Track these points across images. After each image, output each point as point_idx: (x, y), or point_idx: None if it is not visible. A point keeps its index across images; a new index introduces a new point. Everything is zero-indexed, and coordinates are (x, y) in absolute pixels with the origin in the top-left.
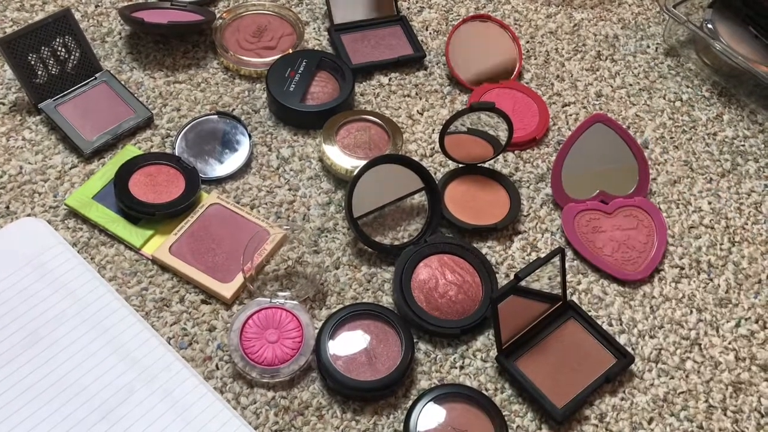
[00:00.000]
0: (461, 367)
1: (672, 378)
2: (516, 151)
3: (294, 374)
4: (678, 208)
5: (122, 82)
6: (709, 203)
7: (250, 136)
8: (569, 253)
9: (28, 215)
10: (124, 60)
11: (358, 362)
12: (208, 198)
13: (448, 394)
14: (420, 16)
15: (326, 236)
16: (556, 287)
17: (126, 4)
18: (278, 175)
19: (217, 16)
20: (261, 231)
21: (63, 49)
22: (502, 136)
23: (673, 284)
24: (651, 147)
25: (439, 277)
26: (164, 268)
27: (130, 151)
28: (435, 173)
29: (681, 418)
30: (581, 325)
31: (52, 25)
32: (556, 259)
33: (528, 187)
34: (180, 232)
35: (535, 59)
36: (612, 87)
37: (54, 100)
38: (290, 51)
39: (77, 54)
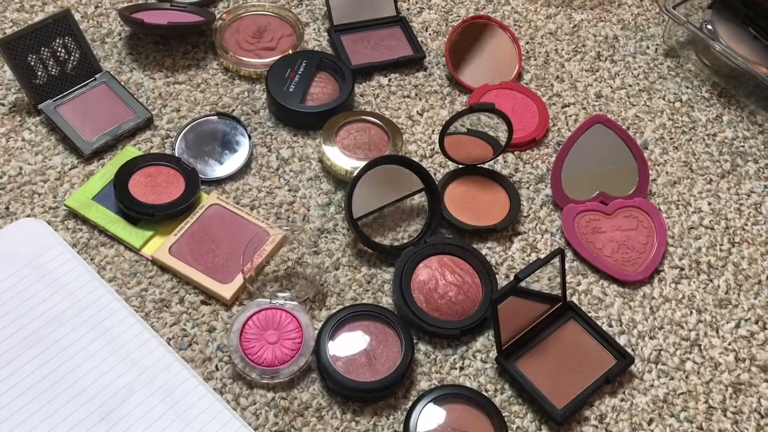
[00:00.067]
0: (461, 368)
1: (672, 379)
2: (516, 152)
3: (294, 375)
4: (678, 208)
5: (122, 83)
6: (709, 204)
7: (249, 137)
8: (569, 254)
9: (28, 216)
10: (124, 61)
11: (358, 363)
12: (208, 199)
13: (447, 395)
14: (420, 17)
15: (326, 237)
16: (555, 288)
17: (126, 5)
18: (278, 176)
19: (217, 17)
20: (261, 232)
21: (63, 50)
22: (502, 136)
23: (673, 285)
24: (651, 148)
25: (438, 278)
26: (164, 268)
27: (129, 151)
28: (435, 174)
29: (681, 419)
30: (581, 326)
31: (52, 26)
32: (556, 260)
33: (528, 188)
34: (180, 232)
35: (535, 60)
36: (612, 88)
37: (54, 101)
38: (290, 52)
39: (77, 55)
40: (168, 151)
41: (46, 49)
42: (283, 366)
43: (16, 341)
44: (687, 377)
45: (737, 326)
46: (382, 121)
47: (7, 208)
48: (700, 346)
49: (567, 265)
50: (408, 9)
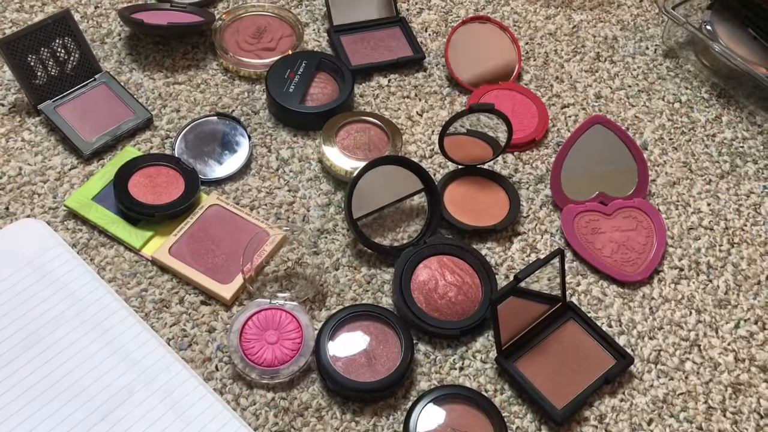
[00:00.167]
0: (461, 368)
1: (671, 379)
2: (515, 153)
3: (293, 375)
4: (677, 209)
5: (122, 84)
6: (708, 204)
7: (249, 138)
8: (569, 255)
9: (28, 216)
10: (124, 61)
11: (358, 363)
12: (208, 199)
13: (447, 395)
14: (419, 18)
15: (326, 237)
16: (555, 288)
17: (125, 5)
18: (278, 177)
19: (217, 17)
20: (260, 232)
21: (62, 51)
22: (502, 137)
23: (673, 285)
24: (650, 148)
25: (438, 279)
26: (164, 269)
27: (129, 152)
28: (434, 174)
29: (680, 419)
30: (581, 326)
31: (52, 27)
32: (556, 261)
33: (527, 189)
34: (179, 233)
35: (535, 60)
36: (611, 88)
37: (53, 102)
38: (290, 52)
39: (77, 55)
40: (168, 152)
41: (46, 50)
42: (282, 366)
43: (16, 341)
44: (686, 377)
45: (737, 326)
46: (381, 121)
47: (7, 208)
48: (699, 346)
49: (566, 266)
50: (408, 9)
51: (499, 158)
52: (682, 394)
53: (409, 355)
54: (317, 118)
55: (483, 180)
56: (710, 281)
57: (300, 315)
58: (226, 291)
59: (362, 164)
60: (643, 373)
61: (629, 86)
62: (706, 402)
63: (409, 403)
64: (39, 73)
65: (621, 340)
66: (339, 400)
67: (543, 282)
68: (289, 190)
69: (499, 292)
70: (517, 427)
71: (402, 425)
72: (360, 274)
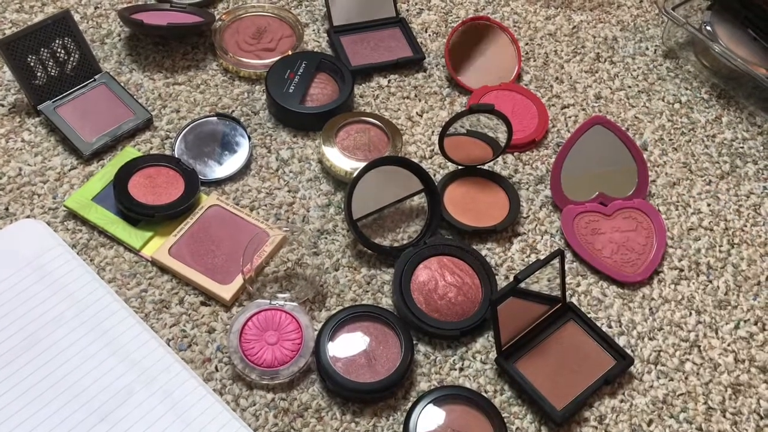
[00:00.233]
0: (461, 369)
1: (671, 380)
2: (515, 153)
3: (293, 376)
4: (677, 209)
5: (121, 84)
6: (708, 205)
7: (249, 138)
8: (568, 255)
9: (28, 217)
10: (124, 62)
11: (358, 364)
12: (208, 200)
13: (447, 395)
14: (419, 18)
15: (326, 238)
16: (555, 289)
17: (125, 5)
18: (278, 177)
19: (217, 17)
20: (260, 233)
21: (62, 51)
22: (502, 138)
23: (673, 286)
24: (650, 149)
25: (438, 279)
26: (164, 269)
27: (129, 152)
28: (434, 175)
29: (680, 420)
30: (580, 326)
31: (52, 27)
32: (556, 261)
33: (527, 189)
34: (179, 233)
35: (534, 61)
36: (611, 89)
37: (53, 102)
38: (289, 53)
39: (76, 56)
40: (168, 152)
41: (46, 50)
42: (282, 367)
43: (15, 342)
44: (686, 378)
45: (736, 327)
46: (381, 122)
47: (7, 209)
48: (699, 347)
49: (566, 266)
50: (408, 10)
51: (499, 159)
52: (682, 394)
53: (408, 356)
54: (317, 119)
55: (483, 181)
56: (710, 282)
57: (300, 316)
58: (226, 292)
59: (362, 165)
60: (643, 373)
61: (629, 87)
62: (705, 403)
63: (409, 404)
64: (39, 74)
65: (621, 341)
66: (339, 401)
67: (543, 283)
68: (288, 191)
69: (499, 293)
70: (517, 428)
71: (402, 426)
72: (360, 274)
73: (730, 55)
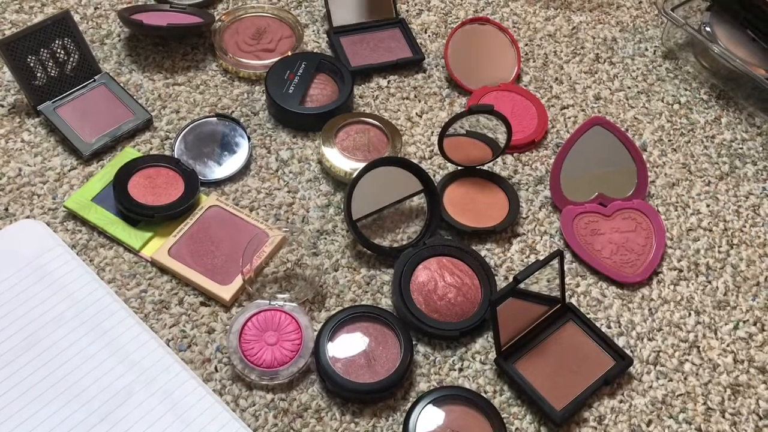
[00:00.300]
0: (460, 370)
1: (670, 380)
2: (515, 154)
3: (293, 376)
4: (676, 210)
5: (121, 84)
6: (708, 206)
7: (249, 139)
8: (568, 256)
9: (27, 217)
10: (123, 62)
11: (357, 364)
12: (207, 200)
13: (447, 396)
14: (419, 19)
15: (325, 238)
16: (554, 290)
17: (125, 6)
18: (277, 177)
19: (216, 18)
20: (260, 233)
21: (62, 51)
22: (501, 138)
23: (672, 287)
24: (649, 150)
25: (438, 280)
26: (163, 270)
27: (129, 153)
28: (434, 176)
29: (679, 421)
30: (580, 327)
31: (52, 27)
32: (555, 262)
33: (527, 190)
34: (179, 234)
35: (534, 62)
36: (610, 90)
37: (53, 102)
38: (289, 53)
39: (76, 56)
40: (167, 153)
41: (46, 51)
42: (282, 367)
43: (15, 342)
44: (685, 379)
45: (736, 328)
46: (381, 122)
47: (7, 209)
48: (698, 347)
49: (566, 267)
50: (407, 11)
51: (499, 159)
52: (681, 395)
53: (408, 357)
54: (317, 119)
55: (482, 181)
56: (709, 282)
57: (299, 316)
58: (226, 292)
59: (362, 165)
60: (642, 374)
61: (628, 87)
62: (705, 403)
63: (409, 404)
64: (38, 74)
65: (620, 342)
66: (338, 401)
67: (542, 283)
68: (288, 191)
69: (498, 294)
70: (517, 428)
71: (401, 426)
72: (359, 275)
73: (729, 56)
